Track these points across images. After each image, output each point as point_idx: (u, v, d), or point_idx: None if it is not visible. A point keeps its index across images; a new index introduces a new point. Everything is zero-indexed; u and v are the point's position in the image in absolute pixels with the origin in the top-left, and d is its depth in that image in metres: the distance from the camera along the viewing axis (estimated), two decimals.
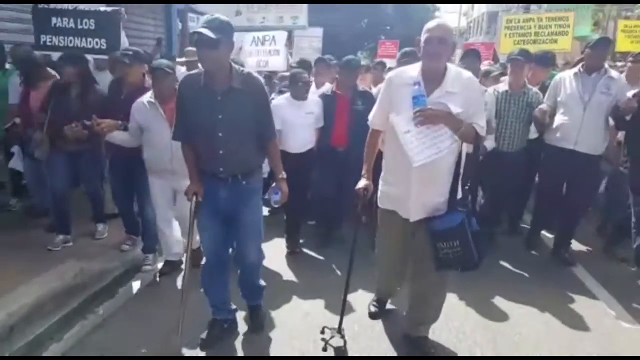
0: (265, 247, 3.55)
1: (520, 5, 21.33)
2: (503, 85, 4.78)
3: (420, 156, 2.71)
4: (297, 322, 3.69)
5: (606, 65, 4.56)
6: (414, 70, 2.86)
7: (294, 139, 4.67)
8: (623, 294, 4.25)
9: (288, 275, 4.56)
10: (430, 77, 2.79)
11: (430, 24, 2.78)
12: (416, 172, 2.80)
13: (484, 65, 7.32)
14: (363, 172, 3.18)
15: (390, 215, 3.14)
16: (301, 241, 5.16)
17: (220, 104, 2.88)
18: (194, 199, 3.09)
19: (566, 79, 4.57)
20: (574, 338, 3.58)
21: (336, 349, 3.24)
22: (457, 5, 37.05)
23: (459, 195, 2.92)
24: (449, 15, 43.33)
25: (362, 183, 3.13)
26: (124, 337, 3.47)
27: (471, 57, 4.86)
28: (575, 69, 4.59)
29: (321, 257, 4.91)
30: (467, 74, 2.89)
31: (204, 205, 3.13)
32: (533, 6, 19.29)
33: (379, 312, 3.73)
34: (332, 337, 3.31)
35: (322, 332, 3.35)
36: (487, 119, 4.23)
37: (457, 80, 2.80)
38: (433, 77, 2.78)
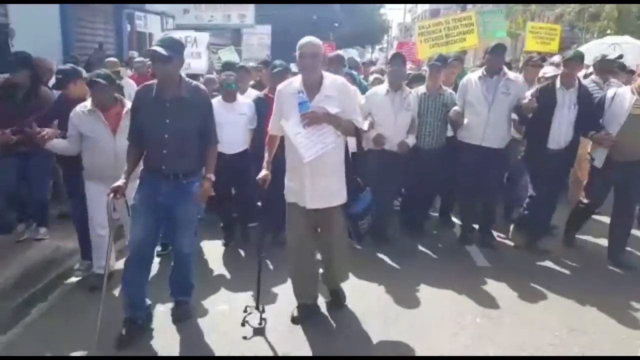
0: (206, 245, 3.96)
1: (459, 5, 22.37)
2: (422, 88, 5.20)
3: (310, 152, 3.26)
4: (223, 310, 4.00)
5: (504, 68, 5.02)
6: (297, 81, 3.39)
7: (227, 139, 4.74)
8: (505, 265, 4.96)
9: (223, 270, 4.84)
10: (310, 86, 3.33)
11: (302, 42, 3.31)
12: (309, 166, 3.32)
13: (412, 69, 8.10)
14: (263, 164, 3.58)
15: (293, 207, 3.58)
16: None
17: (168, 109, 3.28)
18: (111, 196, 3.29)
19: (472, 81, 4.97)
20: (455, 297, 4.31)
21: (255, 327, 3.64)
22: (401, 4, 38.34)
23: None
24: (394, 12, 44.53)
25: (261, 174, 3.51)
26: (52, 337, 3.60)
27: (397, 61, 5.08)
28: (479, 72, 5.02)
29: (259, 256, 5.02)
30: (341, 79, 3.50)
31: (142, 200, 3.40)
32: (469, 6, 20.43)
33: (301, 317, 3.82)
34: (250, 313, 3.70)
35: (245, 310, 3.74)
36: (412, 118, 4.93)
37: (333, 85, 3.37)
38: (312, 85, 3.33)
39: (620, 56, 6.67)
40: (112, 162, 3.90)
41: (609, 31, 15.50)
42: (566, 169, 5.07)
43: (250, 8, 23.30)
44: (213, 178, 3.48)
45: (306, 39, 3.33)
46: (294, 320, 3.77)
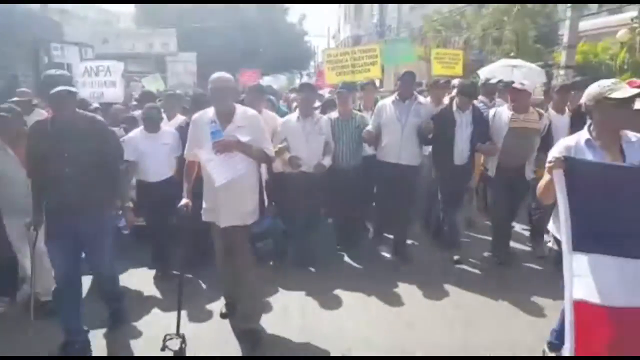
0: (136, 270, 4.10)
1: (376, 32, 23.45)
2: (335, 113, 5.63)
3: (221, 177, 3.50)
4: (150, 329, 4.13)
5: (415, 93, 5.46)
6: (211, 111, 3.66)
7: (152, 168, 4.97)
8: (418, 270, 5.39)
9: (151, 292, 4.93)
10: (223, 116, 3.60)
11: (213, 77, 3.59)
12: (222, 189, 3.56)
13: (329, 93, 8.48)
14: (184, 192, 3.76)
15: (213, 225, 3.87)
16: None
17: (67, 143, 3.34)
18: (32, 230, 3.48)
19: (386, 105, 5.40)
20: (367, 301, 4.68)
21: (175, 350, 3.70)
22: (325, 29, 39.28)
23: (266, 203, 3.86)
24: (318, 39, 45.83)
25: (182, 201, 3.70)
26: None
27: (305, 90, 5.47)
28: (393, 97, 5.43)
29: (189, 275, 5.10)
30: (252, 111, 3.79)
31: (54, 233, 3.47)
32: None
33: (229, 313, 4.23)
34: (170, 339, 3.73)
35: (164, 339, 3.72)
36: (326, 141, 5.25)
37: (244, 116, 3.66)
38: (225, 116, 3.60)
39: (500, 81, 7.36)
40: (24, 195, 3.87)
41: (512, 54, 16.91)
42: (467, 179, 5.62)
43: (173, 36, 23.36)
44: (131, 205, 3.77)
45: (217, 74, 3.61)
46: (222, 316, 4.20)
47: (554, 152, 2.77)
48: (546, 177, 2.67)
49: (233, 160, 3.55)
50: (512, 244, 5.76)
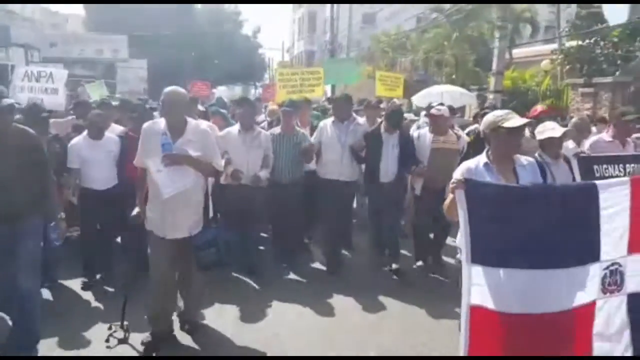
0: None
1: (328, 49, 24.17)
2: (277, 129, 5.74)
3: (168, 189, 3.49)
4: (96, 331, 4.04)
5: (353, 114, 5.78)
6: (162, 123, 3.61)
7: (96, 175, 4.88)
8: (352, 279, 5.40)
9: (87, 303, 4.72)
10: (174, 129, 3.56)
11: (165, 90, 3.59)
12: (169, 201, 3.52)
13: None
14: (137, 201, 3.77)
15: (153, 236, 3.74)
16: None
17: None
18: None
19: (327, 126, 5.67)
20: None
21: (119, 339, 3.75)
22: (279, 43, 39.90)
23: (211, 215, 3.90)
24: (272, 52, 46.30)
25: (135, 210, 3.74)
26: None
27: (245, 105, 5.69)
28: (332, 118, 5.72)
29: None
30: (203, 125, 3.83)
31: None
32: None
33: (154, 344, 3.80)
34: (114, 330, 3.76)
35: (109, 328, 3.83)
36: (265, 154, 5.28)
37: (196, 131, 3.63)
38: (176, 129, 3.56)
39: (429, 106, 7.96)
40: None
41: (453, 76, 18.01)
42: (397, 195, 5.70)
43: (124, 42, 23.25)
44: (63, 216, 3.75)
45: (170, 88, 3.61)
46: (147, 347, 3.73)
47: (457, 174, 2.99)
48: (450, 196, 2.83)
49: (181, 173, 3.54)
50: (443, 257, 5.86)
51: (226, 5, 36.41)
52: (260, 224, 5.85)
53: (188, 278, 3.92)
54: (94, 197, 4.86)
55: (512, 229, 2.55)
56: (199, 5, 34.38)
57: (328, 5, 24.48)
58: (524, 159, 3.09)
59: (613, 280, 2.57)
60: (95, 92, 13.75)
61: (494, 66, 11.92)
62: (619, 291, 2.57)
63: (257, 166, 5.25)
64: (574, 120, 6.21)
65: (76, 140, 4.93)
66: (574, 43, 12.51)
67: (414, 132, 5.88)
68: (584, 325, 2.53)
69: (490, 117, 3.06)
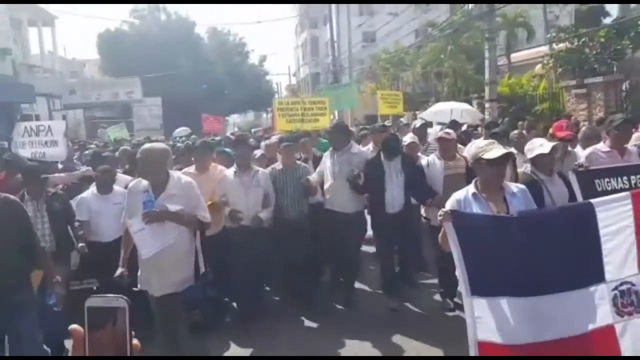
0: None
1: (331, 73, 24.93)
2: (278, 164, 5.53)
3: (149, 248, 3.46)
4: None
5: (351, 142, 5.48)
6: (145, 181, 3.62)
7: (104, 228, 4.88)
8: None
9: None
10: (156, 185, 3.55)
11: (143, 149, 3.67)
12: (153, 259, 3.50)
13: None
14: (120, 261, 3.74)
15: (149, 295, 3.70)
16: None
17: None
18: None
19: (327, 156, 5.49)
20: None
21: None
22: (285, 68, 40.85)
23: (202, 270, 3.77)
24: (279, 77, 47.43)
25: (118, 271, 3.69)
26: None
27: (240, 147, 5.35)
28: (331, 148, 5.48)
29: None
30: (186, 179, 3.75)
31: None
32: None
33: None
34: None
35: None
36: (265, 194, 5.05)
37: (178, 184, 3.60)
38: (158, 185, 3.54)
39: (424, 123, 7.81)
40: None
41: (459, 85, 18.57)
42: (410, 227, 5.36)
43: (137, 84, 24.43)
44: (59, 279, 3.55)
45: (147, 146, 3.73)
46: None
47: (447, 205, 2.96)
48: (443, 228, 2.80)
49: (163, 230, 3.49)
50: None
51: (231, 38, 37.71)
52: (265, 264, 5.38)
53: (175, 336, 3.77)
54: (100, 249, 4.78)
55: (507, 258, 2.52)
56: (206, 40, 35.71)
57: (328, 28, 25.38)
58: (514, 187, 3.08)
59: (627, 300, 2.43)
60: (116, 134, 14.74)
61: (486, 76, 12.46)
62: (638, 312, 2.41)
63: (258, 206, 5.04)
64: (583, 129, 6.02)
65: (85, 194, 5.07)
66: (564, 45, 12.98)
67: (421, 159, 5.47)
68: (606, 349, 2.41)
69: (472, 148, 3.08)
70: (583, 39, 12.21)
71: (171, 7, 34.40)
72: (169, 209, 3.50)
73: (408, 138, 6.34)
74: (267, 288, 5.90)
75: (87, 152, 8.85)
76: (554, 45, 13.75)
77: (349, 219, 5.33)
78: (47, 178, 4.98)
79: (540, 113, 12.90)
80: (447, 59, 17.92)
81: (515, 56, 18.70)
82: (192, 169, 5.26)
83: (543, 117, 12.29)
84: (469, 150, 3.13)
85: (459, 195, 3.08)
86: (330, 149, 5.52)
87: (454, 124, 8.12)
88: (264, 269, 5.39)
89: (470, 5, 17.03)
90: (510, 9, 17.10)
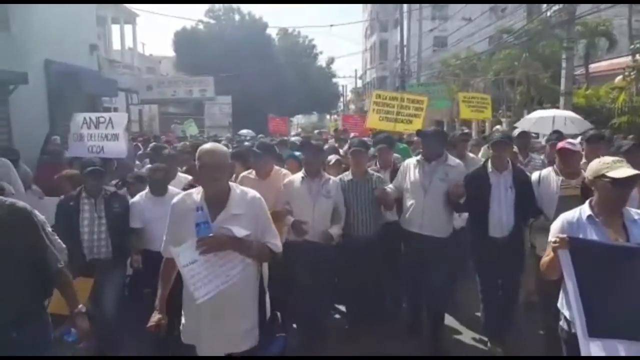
0: None
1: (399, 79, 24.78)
2: (348, 174, 4.80)
3: (205, 290, 2.51)
4: None
5: (446, 153, 4.62)
6: (197, 193, 2.69)
7: (158, 235, 3.63)
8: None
9: None
10: (213, 201, 2.63)
11: (203, 149, 2.64)
12: (207, 305, 2.54)
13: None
14: (156, 303, 2.78)
15: (194, 350, 2.81)
16: None
17: None
18: None
19: (410, 166, 4.66)
20: None
21: None
22: (352, 71, 41.05)
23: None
24: (345, 80, 47.82)
25: (153, 318, 2.72)
26: None
27: (309, 152, 4.73)
28: (418, 157, 4.68)
29: None
30: (252, 193, 2.77)
31: None
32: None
33: None
34: None
35: None
36: (335, 207, 4.47)
37: (242, 200, 2.68)
38: (216, 200, 2.63)
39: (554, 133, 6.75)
40: None
41: (532, 93, 17.90)
42: (516, 256, 4.43)
43: (211, 83, 25.41)
44: (83, 309, 2.75)
45: (207, 146, 2.71)
46: None
47: (556, 230, 2.63)
48: (550, 254, 2.50)
49: (224, 264, 2.59)
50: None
51: (301, 39, 38.41)
52: (327, 290, 4.76)
53: None
54: (156, 259, 3.63)
55: (628, 295, 2.27)
56: (276, 41, 36.55)
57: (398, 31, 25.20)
58: (634, 212, 2.64)
59: None
60: (189, 130, 15.44)
61: (562, 86, 11.94)
62: None
63: (326, 219, 4.45)
64: None
65: (138, 197, 4.46)
66: None
67: (533, 173, 4.57)
68: None
69: (595, 163, 2.68)
70: None
71: (245, 8, 35.58)
72: (232, 234, 2.57)
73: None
74: (341, 309, 5.23)
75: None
76: (638, 57, 12.92)
77: (441, 244, 4.47)
78: (105, 173, 4.55)
79: (618, 127, 12.18)
80: (521, 66, 17.31)
81: (595, 67, 17.80)
82: (252, 174, 4.61)
83: (621, 131, 11.61)
84: (591, 166, 2.71)
85: (570, 216, 2.68)
86: (418, 158, 4.67)
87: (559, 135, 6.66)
88: (329, 290, 4.73)
89: (549, 12, 16.40)
90: (592, 17, 16.31)
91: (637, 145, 4.32)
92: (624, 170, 2.52)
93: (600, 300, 2.27)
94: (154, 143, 8.66)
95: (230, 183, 2.76)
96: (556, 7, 13.78)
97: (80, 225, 4.07)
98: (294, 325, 4.63)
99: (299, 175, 4.55)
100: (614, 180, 2.51)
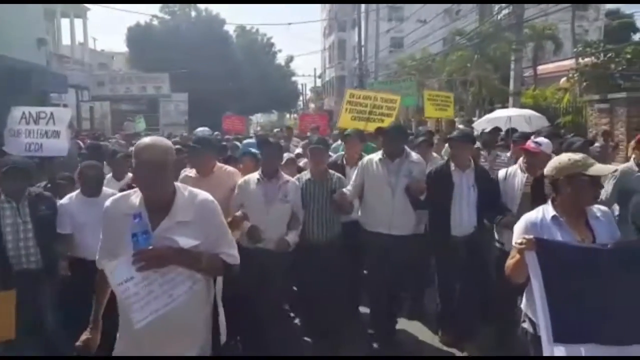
0: None
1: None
2: (306, 174, 4.50)
3: (141, 313, 2.09)
4: None
5: (407, 149, 4.48)
6: (136, 196, 2.23)
7: (91, 242, 3.13)
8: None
9: None
10: (155, 206, 2.18)
11: (140, 145, 2.20)
12: (148, 330, 2.12)
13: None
14: (90, 324, 2.40)
15: None
16: None
17: None
18: None
19: (373, 164, 4.40)
20: None
21: None
22: (311, 70, 41.29)
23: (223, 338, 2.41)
24: (304, 79, 47.97)
25: (82, 337, 2.37)
26: None
27: (267, 150, 4.37)
28: (379, 155, 4.43)
29: None
30: (203, 195, 2.32)
31: None
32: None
33: None
34: None
35: None
36: (293, 211, 4.13)
37: (190, 205, 2.24)
38: (158, 205, 2.19)
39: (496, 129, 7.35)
40: None
41: (482, 93, 18.48)
42: (479, 255, 4.39)
43: (166, 79, 24.95)
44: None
45: (146, 141, 2.25)
46: None
47: (519, 231, 2.52)
48: (515, 256, 2.41)
49: (168, 281, 2.15)
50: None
51: (259, 38, 38.20)
52: (281, 300, 4.46)
53: None
54: (86, 269, 3.15)
55: (595, 298, 2.19)
56: (234, 39, 36.18)
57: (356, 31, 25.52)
58: (596, 210, 2.56)
59: None
60: (137, 126, 15.10)
61: (511, 87, 12.43)
62: None
63: (281, 225, 4.09)
64: None
65: (67, 198, 3.94)
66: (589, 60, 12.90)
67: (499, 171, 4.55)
68: None
69: (564, 160, 2.53)
70: (609, 55, 12.10)
71: (201, 4, 35.04)
72: (177, 246, 2.15)
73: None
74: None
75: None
76: (580, 60, 13.63)
77: (404, 243, 4.31)
78: (30, 173, 3.90)
79: (563, 126, 12.82)
80: (473, 68, 17.88)
81: (542, 68, 18.64)
82: (192, 172, 4.22)
83: (565, 130, 12.23)
84: (556, 163, 2.56)
85: (532, 217, 2.56)
86: (380, 157, 4.40)
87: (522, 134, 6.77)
88: (282, 301, 4.35)
89: (499, 16, 17.03)
90: (539, 21, 17.04)
91: (587, 142, 4.52)
92: (603, 168, 2.51)
93: (567, 304, 2.20)
94: (89, 142, 8.15)
95: (177, 184, 2.30)
96: (506, 10, 14.36)
97: (2, 232, 3.58)
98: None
99: (255, 175, 4.19)
100: (593, 179, 2.45)
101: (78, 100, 22.51)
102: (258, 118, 49.48)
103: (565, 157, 2.56)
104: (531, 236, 2.29)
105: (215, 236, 2.28)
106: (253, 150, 5.21)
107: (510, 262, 2.48)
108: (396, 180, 4.29)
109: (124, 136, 11.44)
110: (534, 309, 2.33)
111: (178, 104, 26.87)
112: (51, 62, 18.00)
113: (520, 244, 2.29)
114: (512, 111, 11.06)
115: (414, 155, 4.50)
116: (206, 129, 10.99)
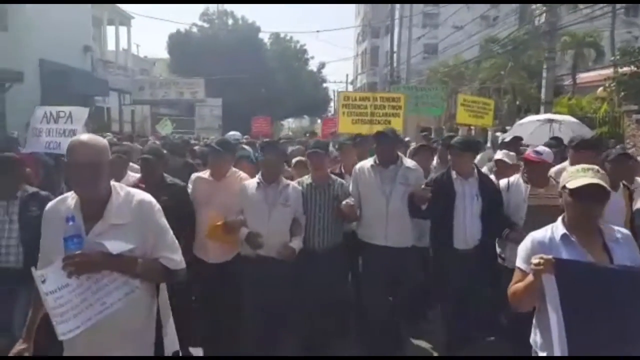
0: None
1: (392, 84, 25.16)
2: (307, 178, 4.25)
3: (70, 324, 1.95)
4: None
5: (401, 156, 4.29)
6: (72, 199, 2.14)
7: None
8: None
9: None
10: (89, 209, 2.10)
11: (73, 142, 2.10)
12: (82, 338, 2.00)
13: None
14: (23, 334, 2.23)
15: None
16: None
17: None
18: None
19: (364, 171, 4.18)
20: None
21: None
22: (343, 76, 41.26)
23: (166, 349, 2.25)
24: (336, 85, 48.18)
25: (17, 347, 2.19)
26: None
27: (269, 151, 4.23)
28: (372, 161, 4.22)
29: None
30: (141, 196, 2.20)
31: None
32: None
33: None
34: None
35: None
36: (296, 217, 3.94)
37: (126, 207, 2.13)
38: (93, 208, 2.09)
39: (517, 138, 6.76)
40: None
41: (517, 102, 18.30)
42: (483, 274, 4.10)
43: (202, 85, 25.69)
44: None
45: (81, 138, 2.14)
46: None
47: (525, 251, 2.27)
48: (528, 279, 2.11)
49: (101, 287, 2.02)
50: None
51: (292, 45, 38.76)
52: (283, 313, 4.19)
53: None
54: None
55: (612, 323, 1.97)
56: (268, 46, 36.85)
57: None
58: (616, 231, 2.26)
59: None
60: (164, 129, 15.64)
61: (543, 96, 12.33)
62: None
63: (283, 231, 3.92)
64: None
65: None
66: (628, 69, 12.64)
67: (501, 180, 4.30)
68: None
69: (569, 170, 2.32)
70: None
71: (238, 12, 35.95)
72: (108, 251, 2.02)
73: (500, 155, 5.10)
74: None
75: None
76: (619, 69, 13.37)
77: (401, 256, 4.07)
78: (23, 171, 3.75)
79: (599, 137, 12.58)
80: (507, 75, 17.74)
81: (583, 77, 18.27)
82: (206, 174, 4.19)
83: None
84: (563, 173, 2.35)
85: (540, 236, 2.28)
86: (372, 163, 4.19)
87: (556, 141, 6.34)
88: (282, 311, 4.06)
89: (540, 20, 16.82)
90: (580, 27, 16.76)
91: (624, 155, 3.97)
92: (581, 180, 2.14)
93: (584, 329, 1.95)
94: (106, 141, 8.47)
95: (114, 185, 2.18)
96: (545, 15, 14.20)
97: None
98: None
99: (255, 180, 4.03)
100: (571, 192, 2.15)
101: (120, 103, 23.41)
102: (290, 123, 49.99)
103: (572, 168, 2.34)
104: (550, 256, 2.01)
105: (153, 239, 2.16)
106: (247, 151, 5.16)
107: (518, 286, 2.18)
108: (391, 189, 4.06)
109: (158, 137, 11.97)
110: (548, 345, 2.06)
111: (213, 109, 27.61)
112: (96, 67, 18.82)
113: (537, 264, 1.99)
114: (552, 115, 10.20)
115: (409, 162, 4.31)
116: (237, 133, 11.26)
